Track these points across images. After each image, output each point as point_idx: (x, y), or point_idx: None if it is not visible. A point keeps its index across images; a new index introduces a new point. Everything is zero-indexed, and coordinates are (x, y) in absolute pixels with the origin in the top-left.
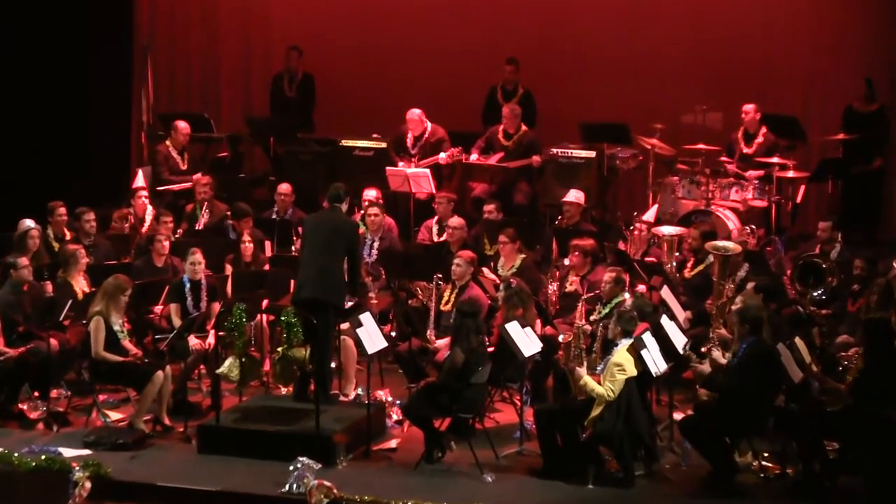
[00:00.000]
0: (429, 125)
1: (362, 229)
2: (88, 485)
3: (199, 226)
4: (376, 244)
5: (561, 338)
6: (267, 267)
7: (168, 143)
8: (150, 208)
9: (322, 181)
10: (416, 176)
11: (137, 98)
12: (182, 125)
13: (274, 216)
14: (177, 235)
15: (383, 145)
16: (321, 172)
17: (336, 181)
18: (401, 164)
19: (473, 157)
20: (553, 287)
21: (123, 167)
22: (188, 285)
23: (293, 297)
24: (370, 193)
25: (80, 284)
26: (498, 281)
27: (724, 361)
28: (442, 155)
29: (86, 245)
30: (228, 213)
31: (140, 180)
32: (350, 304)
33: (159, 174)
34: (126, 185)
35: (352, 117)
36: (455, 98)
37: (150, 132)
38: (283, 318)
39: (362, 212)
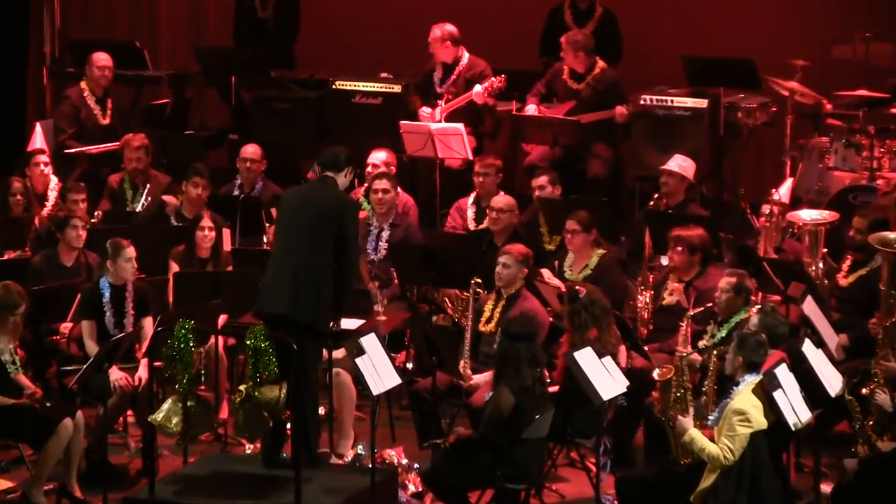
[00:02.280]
0: (465, 55)
1: (365, 212)
2: None
3: (132, 207)
4: (386, 234)
5: (656, 373)
6: (229, 268)
7: (83, 85)
8: (53, 180)
9: (307, 141)
10: (444, 133)
11: (37, 18)
12: (102, 58)
13: (236, 192)
14: (94, 220)
15: (397, 88)
16: (305, 129)
17: (329, 141)
18: (424, 112)
19: (530, 108)
20: (645, 298)
21: (14, 120)
22: (108, 293)
23: (253, 309)
24: (377, 158)
25: None
26: (563, 288)
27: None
28: (477, 87)
29: None
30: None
31: (39, 140)
32: (334, 324)
33: (68, 131)
34: (18, 147)
35: (350, 49)
36: (502, 22)
37: (54, 69)
38: (248, 342)
39: (365, 186)
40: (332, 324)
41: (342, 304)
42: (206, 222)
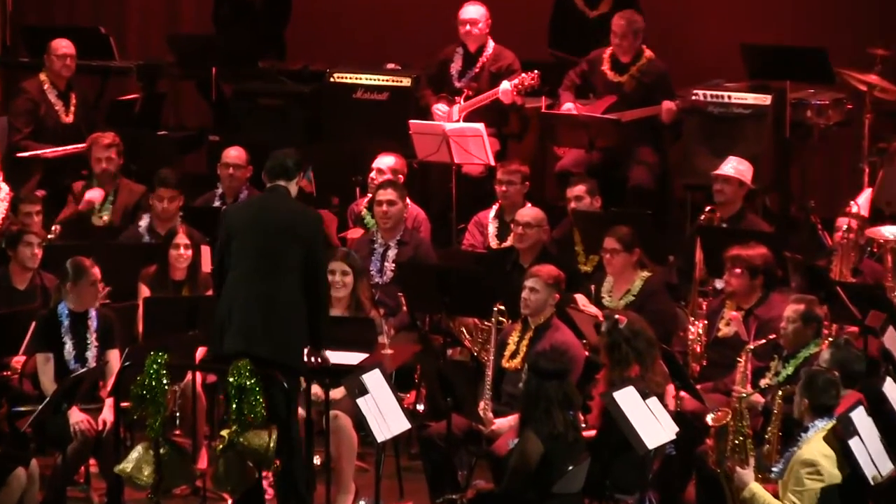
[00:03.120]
0: (490, 44)
1: (358, 231)
2: None
3: (99, 220)
4: (392, 252)
5: (710, 417)
6: (209, 292)
7: (42, 77)
8: (3, 189)
9: (300, 144)
10: (461, 134)
11: None
12: (63, 46)
13: (217, 203)
14: (51, 235)
15: (406, 82)
16: (297, 129)
17: (326, 143)
18: (438, 110)
19: (566, 105)
20: (697, 329)
21: None
22: (67, 321)
23: (210, 349)
24: (383, 164)
25: None
26: (601, 317)
27: None
28: (505, 84)
29: None
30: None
31: None
32: (313, 359)
33: (24, 130)
34: None
35: (350, 36)
36: (503, 6)
37: (6, 59)
38: (231, 379)
39: (368, 196)
40: (314, 359)
41: (319, 334)
42: (182, 239)
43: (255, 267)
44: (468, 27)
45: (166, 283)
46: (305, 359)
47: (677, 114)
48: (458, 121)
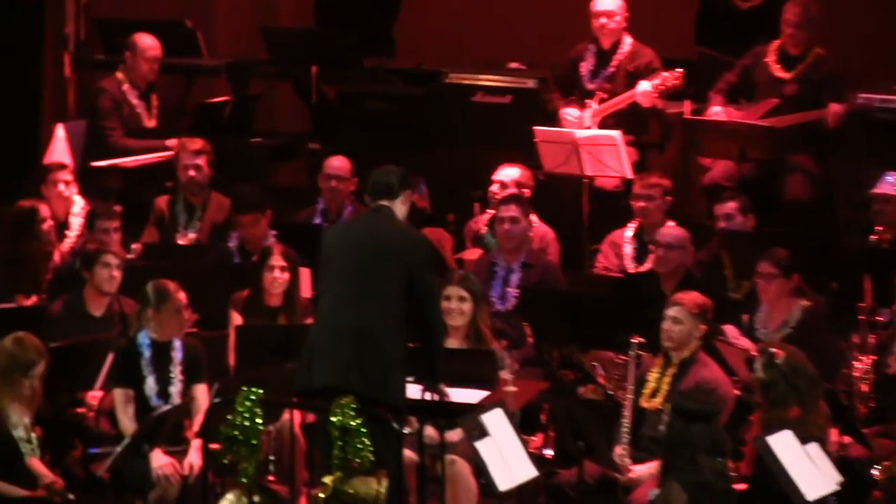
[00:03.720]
0: (627, 40)
1: (476, 252)
2: None
3: (185, 238)
4: (516, 276)
5: (878, 466)
6: (309, 319)
7: (119, 76)
8: (79, 202)
9: (411, 153)
10: (593, 143)
11: None
12: (150, 44)
13: (318, 219)
14: (131, 255)
15: (531, 83)
16: (408, 136)
17: (440, 152)
18: (568, 115)
19: (715, 109)
20: (864, 365)
21: (25, 122)
22: (148, 352)
23: (299, 383)
24: (506, 176)
25: None
26: (754, 351)
27: None
28: (644, 85)
29: None
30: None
31: (60, 148)
32: (428, 395)
33: (102, 136)
34: (32, 159)
35: (468, 32)
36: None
37: (80, 56)
38: (334, 419)
39: (489, 213)
40: (429, 395)
41: (434, 367)
42: (277, 260)
43: (349, 292)
44: (603, 20)
45: (260, 309)
46: (420, 395)
47: (841, 117)
48: (590, 127)
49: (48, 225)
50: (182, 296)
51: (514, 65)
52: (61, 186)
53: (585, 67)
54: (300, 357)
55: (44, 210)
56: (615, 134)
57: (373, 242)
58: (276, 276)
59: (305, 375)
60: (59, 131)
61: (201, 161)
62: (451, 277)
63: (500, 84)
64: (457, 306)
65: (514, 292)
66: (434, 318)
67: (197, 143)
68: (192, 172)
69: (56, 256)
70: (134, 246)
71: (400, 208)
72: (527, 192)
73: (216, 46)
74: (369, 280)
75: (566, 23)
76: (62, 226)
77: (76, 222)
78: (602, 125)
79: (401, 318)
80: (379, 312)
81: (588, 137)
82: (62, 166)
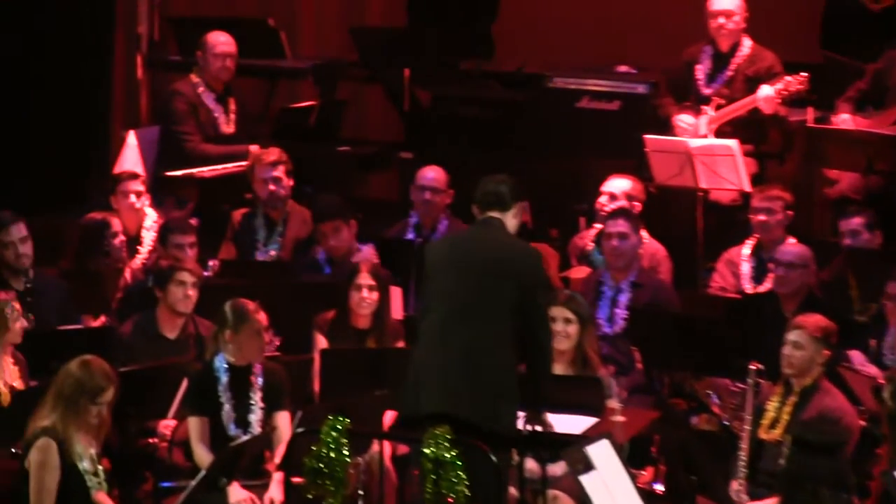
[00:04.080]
0: (747, 42)
1: (583, 270)
2: None
3: (265, 255)
4: (625, 297)
5: None
6: (400, 343)
7: (194, 78)
8: (151, 216)
9: (511, 163)
10: (709, 154)
11: None
12: (223, 41)
13: (410, 235)
14: (208, 273)
15: (642, 88)
16: (509, 145)
17: (544, 162)
18: (682, 122)
19: (842, 117)
20: None
21: (97, 129)
22: (226, 377)
23: (403, 409)
24: (616, 188)
25: (5, 374)
26: (882, 379)
27: None
28: (766, 89)
29: (17, 291)
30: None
31: (131, 156)
32: (531, 426)
33: (178, 141)
34: (102, 168)
35: (574, 33)
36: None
37: (154, 57)
38: (427, 451)
39: (596, 228)
40: (526, 424)
41: (539, 395)
42: (364, 279)
43: (456, 312)
44: (721, 20)
45: (347, 331)
46: (520, 425)
47: None
48: (705, 136)
49: (119, 240)
50: (262, 317)
51: (622, 68)
52: (133, 198)
53: (701, 71)
54: (396, 384)
55: (115, 224)
56: (732, 143)
57: (483, 257)
58: (364, 295)
59: (411, 400)
60: (131, 138)
61: (279, 173)
62: (556, 297)
63: (608, 89)
64: (562, 329)
65: (623, 314)
66: (544, 342)
67: (273, 154)
68: (271, 187)
69: (126, 274)
70: (211, 263)
71: (511, 221)
72: (637, 205)
73: (301, 47)
74: (479, 298)
75: (680, 23)
76: (133, 240)
77: (148, 237)
78: (718, 133)
79: (512, 341)
80: (490, 333)
81: (703, 147)
82: (134, 176)
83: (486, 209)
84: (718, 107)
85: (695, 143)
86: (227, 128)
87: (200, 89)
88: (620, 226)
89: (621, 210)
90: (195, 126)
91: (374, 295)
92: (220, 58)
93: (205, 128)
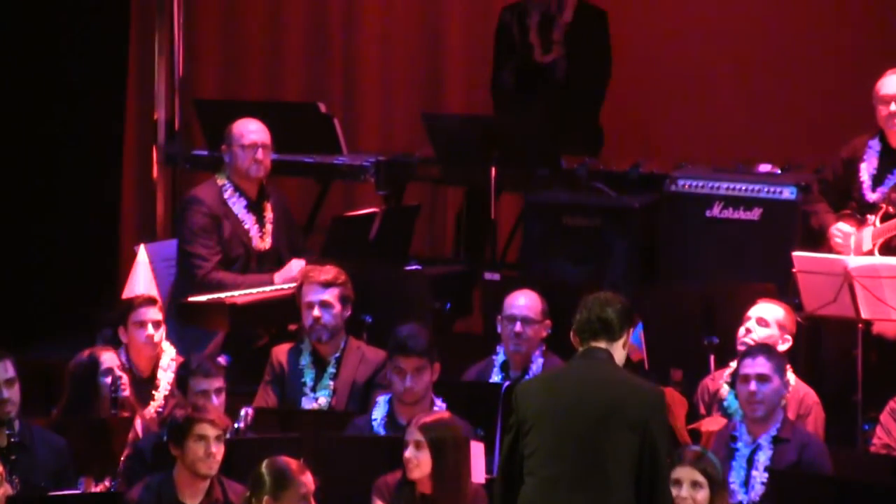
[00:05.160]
0: None
1: (719, 421)
2: None
3: (312, 402)
4: (765, 454)
5: None
6: None
7: (220, 180)
8: (168, 353)
9: (625, 286)
10: (873, 276)
11: (142, 62)
12: (251, 132)
13: (496, 377)
14: (240, 424)
15: (788, 193)
16: (621, 262)
17: (667, 282)
18: (839, 234)
19: None
20: None
21: (99, 240)
22: None
23: None
24: (762, 315)
25: None
26: None
27: None
28: None
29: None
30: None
31: (142, 277)
32: None
33: (213, 259)
34: (108, 290)
35: (702, 123)
36: None
37: (172, 151)
38: None
39: (731, 367)
40: None
41: None
42: (412, 434)
43: (569, 472)
44: (894, 108)
45: (412, 496)
46: None
47: None
48: (871, 252)
49: (121, 382)
50: (309, 478)
51: (765, 167)
52: (150, 329)
53: (866, 171)
54: None
55: (107, 360)
56: None
57: (593, 401)
58: (408, 455)
59: None
60: (142, 254)
61: (332, 297)
62: (682, 456)
63: (746, 193)
64: (688, 494)
65: (762, 477)
66: None
67: (328, 273)
68: (316, 313)
69: (137, 425)
70: (244, 411)
71: (620, 353)
72: (788, 339)
73: (361, 139)
74: (591, 456)
75: (836, 111)
76: (146, 383)
77: (165, 379)
78: (886, 249)
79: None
80: (611, 496)
81: (865, 267)
82: (150, 302)
83: (589, 338)
84: (886, 216)
85: (855, 262)
86: (262, 243)
87: (227, 194)
88: (760, 365)
89: (761, 346)
90: (214, 246)
91: (423, 455)
92: (250, 150)
93: (230, 245)
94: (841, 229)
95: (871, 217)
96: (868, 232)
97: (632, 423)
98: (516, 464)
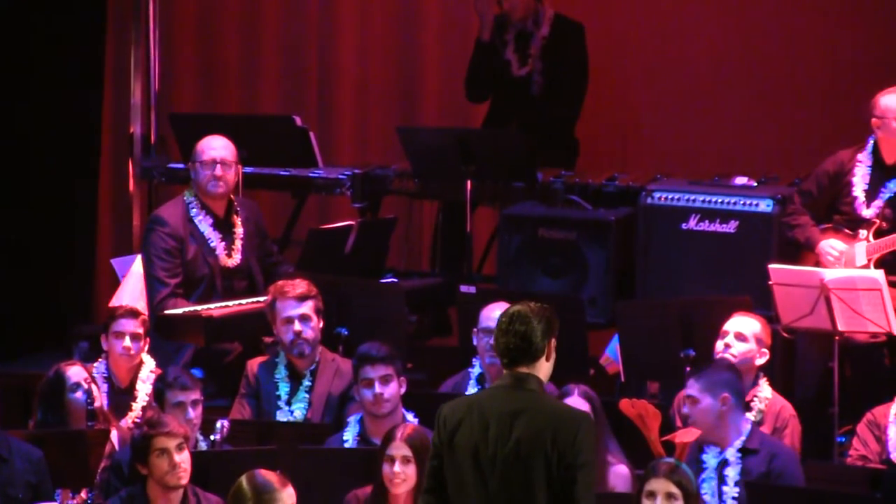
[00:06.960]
0: None
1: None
2: None
3: (287, 413)
4: (733, 469)
5: None
6: None
7: (188, 196)
8: (148, 364)
9: (603, 297)
10: (848, 287)
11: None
12: (212, 147)
13: (471, 389)
14: (216, 436)
15: (765, 206)
16: (597, 276)
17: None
18: (831, 252)
19: None
20: None
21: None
22: None
23: None
24: (743, 326)
25: None
26: None
27: None
28: None
29: None
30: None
31: (130, 289)
32: None
33: (170, 282)
34: (83, 303)
35: (677, 135)
36: None
37: (149, 165)
38: None
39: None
40: None
41: None
42: (399, 448)
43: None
44: (889, 121)
45: None
46: None
47: None
48: (867, 267)
49: (90, 396)
50: (290, 492)
51: (740, 180)
52: (127, 341)
53: (859, 184)
54: None
55: (74, 374)
56: (877, 275)
57: (509, 426)
58: (396, 470)
59: None
60: (137, 265)
61: (309, 309)
62: (656, 468)
63: (723, 206)
64: None
65: (734, 492)
66: None
67: (299, 287)
68: (297, 327)
69: (113, 437)
70: (220, 423)
71: (545, 369)
72: (764, 353)
73: (336, 152)
74: (513, 484)
75: (812, 123)
76: (125, 394)
77: (143, 390)
78: (880, 265)
79: None
80: None
81: (842, 279)
82: (133, 314)
83: (513, 362)
84: (880, 231)
85: (830, 274)
86: (230, 260)
87: (194, 211)
88: (689, 387)
89: (701, 367)
90: (174, 268)
91: (410, 469)
92: (209, 166)
93: (194, 265)
94: (834, 246)
95: (862, 232)
96: (861, 247)
97: (560, 452)
98: (436, 492)
